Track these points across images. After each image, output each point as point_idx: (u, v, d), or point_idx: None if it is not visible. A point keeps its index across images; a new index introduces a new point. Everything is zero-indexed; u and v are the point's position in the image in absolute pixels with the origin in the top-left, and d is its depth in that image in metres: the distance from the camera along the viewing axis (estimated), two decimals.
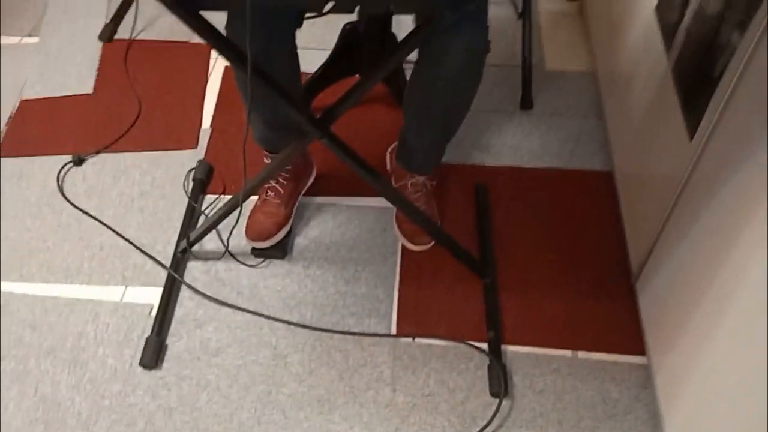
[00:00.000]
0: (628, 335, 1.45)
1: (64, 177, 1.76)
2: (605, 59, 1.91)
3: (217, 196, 1.73)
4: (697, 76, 1.26)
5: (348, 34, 1.72)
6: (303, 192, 1.69)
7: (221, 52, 1.23)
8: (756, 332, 0.98)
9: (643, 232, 1.46)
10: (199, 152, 1.82)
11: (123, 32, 2.11)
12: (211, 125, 1.88)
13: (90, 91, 1.96)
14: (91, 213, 1.68)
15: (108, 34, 2.09)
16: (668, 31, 1.41)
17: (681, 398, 1.23)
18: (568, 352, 1.43)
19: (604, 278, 1.54)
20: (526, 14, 1.94)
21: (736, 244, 1.06)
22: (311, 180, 1.70)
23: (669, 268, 1.32)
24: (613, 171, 1.73)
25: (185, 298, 1.54)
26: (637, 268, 1.48)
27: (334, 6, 1.09)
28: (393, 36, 1.66)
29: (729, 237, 1.08)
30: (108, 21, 2.11)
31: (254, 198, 1.64)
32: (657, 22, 1.48)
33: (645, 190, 1.51)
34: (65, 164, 1.78)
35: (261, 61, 1.17)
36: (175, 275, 1.56)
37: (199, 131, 1.87)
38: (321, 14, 1.22)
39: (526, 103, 1.92)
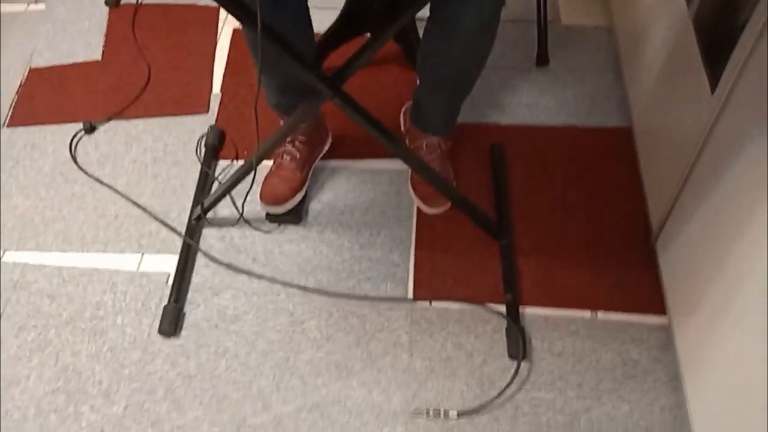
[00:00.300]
0: (648, 295, 1.43)
1: (76, 145, 1.75)
2: (623, 13, 1.85)
3: (229, 161, 1.71)
4: (719, 26, 1.22)
5: None
6: (318, 158, 1.67)
7: (231, 11, 1.20)
8: None
9: (663, 190, 1.42)
10: (210, 117, 1.80)
11: None
12: (222, 90, 1.86)
13: (99, 57, 1.94)
14: (105, 181, 1.68)
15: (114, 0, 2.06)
16: None
17: (702, 360, 1.21)
18: (587, 313, 1.42)
19: (623, 237, 1.52)
20: None
21: (762, 202, 1.03)
22: (326, 147, 1.68)
23: (690, 228, 1.29)
24: (631, 128, 1.69)
25: (201, 266, 1.54)
26: (657, 227, 1.46)
27: None
28: None
29: (754, 195, 1.05)
30: None
31: (268, 163, 1.62)
32: None
33: (665, 147, 1.47)
34: (77, 132, 1.77)
35: (272, 21, 1.14)
36: (191, 242, 1.55)
37: (209, 96, 1.84)
38: None
39: (542, 59, 1.87)
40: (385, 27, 1.27)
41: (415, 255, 1.53)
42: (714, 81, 1.20)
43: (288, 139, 1.58)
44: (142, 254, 1.56)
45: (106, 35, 1.99)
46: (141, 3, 2.06)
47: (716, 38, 1.22)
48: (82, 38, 1.99)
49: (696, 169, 1.27)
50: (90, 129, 1.77)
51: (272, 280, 1.50)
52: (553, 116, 1.75)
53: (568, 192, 1.61)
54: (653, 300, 1.42)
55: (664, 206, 1.40)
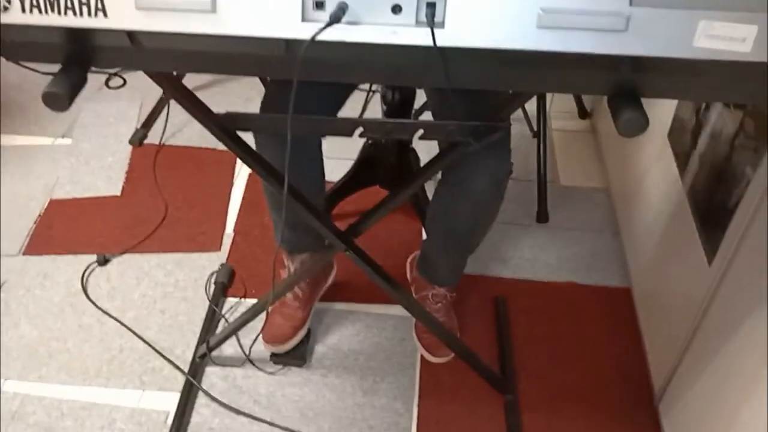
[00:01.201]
0: None
1: (88, 277, 1.78)
2: (619, 178, 1.97)
3: (238, 299, 1.75)
4: (713, 203, 1.30)
5: (370, 147, 1.79)
6: (321, 293, 1.71)
7: (255, 170, 1.28)
8: None
9: (665, 353, 1.46)
10: (222, 255, 1.85)
11: (153, 137, 2.20)
12: (235, 229, 1.92)
13: (118, 193, 2.02)
14: (113, 314, 1.69)
15: (139, 138, 2.17)
16: (682, 157, 1.46)
17: None
18: None
19: (626, 398, 1.53)
20: (540, 132, 2.02)
21: (764, 371, 1.07)
22: (330, 280, 1.73)
23: (693, 392, 1.32)
24: (631, 288, 1.75)
25: (202, 405, 1.52)
26: (659, 389, 1.48)
27: (364, 131, 1.15)
28: (413, 150, 1.72)
29: (756, 364, 1.09)
30: (139, 126, 2.20)
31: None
32: (670, 147, 1.54)
33: (665, 311, 1.52)
34: (90, 264, 1.81)
35: (289, 175, 1.22)
36: (193, 381, 1.55)
37: (222, 235, 1.91)
38: None
39: (542, 216, 1.96)
40: (399, 190, 1.35)
41: (419, 405, 1.53)
42: (711, 252, 1.27)
43: None
44: (143, 390, 1.55)
45: (128, 172, 2.08)
46: (163, 144, 2.17)
47: (711, 213, 1.30)
48: (104, 173, 2.08)
49: (697, 336, 1.31)
50: (103, 261, 1.81)
51: (273, 424, 1.49)
52: (554, 272, 1.82)
53: (570, 349, 1.64)
54: None
55: (667, 369, 1.43)
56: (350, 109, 1.45)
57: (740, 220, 1.17)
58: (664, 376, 1.44)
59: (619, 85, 0.82)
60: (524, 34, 0.76)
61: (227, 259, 1.84)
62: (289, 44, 0.79)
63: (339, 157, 1.88)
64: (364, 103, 2.06)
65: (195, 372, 1.57)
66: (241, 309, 1.71)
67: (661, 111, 1.55)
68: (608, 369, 1.59)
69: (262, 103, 1.34)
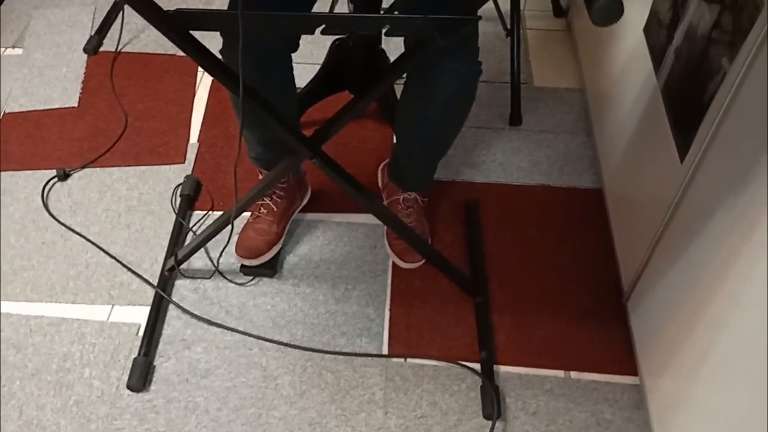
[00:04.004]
0: (620, 355, 1.45)
1: (48, 192, 1.73)
2: (593, 77, 1.93)
3: (205, 212, 1.71)
4: (687, 98, 1.27)
5: (337, 49, 1.71)
6: (296, 212, 1.67)
7: (213, 74, 1.22)
8: (751, 357, 0.99)
9: (634, 251, 1.46)
10: (187, 167, 1.80)
11: (109, 45, 2.09)
12: (199, 140, 1.86)
13: (75, 104, 1.93)
14: (77, 230, 1.65)
15: (93, 47, 2.06)
16: (657, 52, 1.42)
17: (674, 421, 1.23)
18: (560, 373, 1.43)
19: (595, 297, 1.55)
20: (514, 31, 1.94)
21: (732, 266, 1.07)
22: (305, 200, 1.69)
23: (661, 289, 1.32)
24: (603, 189, 1.74)
25: (173, 318, 1.52)
26: (628, 288, 1.49)
27: (326, 28, 1.08)
28: (382, 52, 1.65)
29: (724, 260, 1.09)
30: (93, 33, 2.09)
31: (246, 214, 1.62)
32: (646, 42, 1.49)
33: (635, 209, 1.51)
34: (50, 179, 1.75)
35: (257, 83, 1.16)
36: (163, 294, 1.53)
37: (186, 146, 1.85)
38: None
39: (515, 119, 1.92)
40: (366, 92, 1.29)
41: (391, 310, 1.53)
42: (683, 150, 1.25)
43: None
44: (113, 305, 1.53)
45: (84, 82, 1.99)
46: (120, 51, 2.07)
47: (685, 109, 1.27)
48: (59, 84, 1.99)
49: (666, 233, 1.31)
50: (63, 176, 1.75)
51: (245, 333, 1.49)
52: (526, 175, 1.79)
53: (541, 251, 1.64)
54: (625, 360, 1.44)
55: (635, 267, 1.44)
56: (318, 7, 1.36)
57: (713, 115, 1.14)
58: (633, 275, 1.45)
59: None
60: None
61: (192, 170, 1.79)
62: None
63: (306, 61, 1.81)
64: (331, 2, 1.97)
65: (164, 285, 1.55)
66: (209, 222, 1.68)
67: (638, 3, 1.49)
68: (578, 269, 1.60)
69: (228, 6, 1.27)
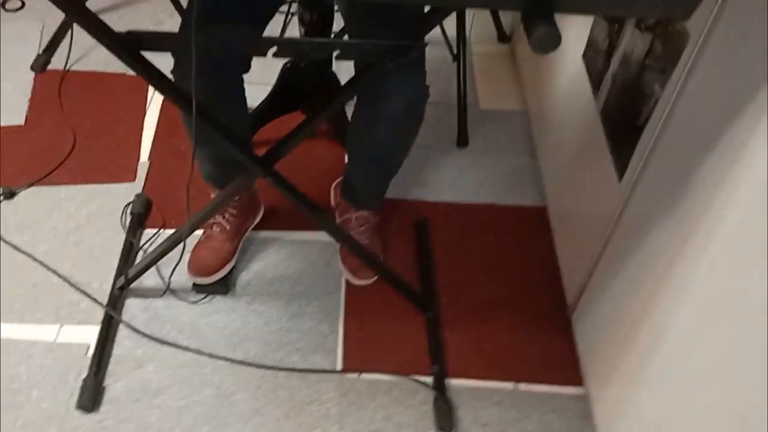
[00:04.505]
0: (566, 367, 1.50)
1: None
2: (536, 100, 2.01)
3: (156, 230, 1.70)
4: (624, 121, 1.35)
5: (288, 71, 1.74)
6: (249, 230, 1.68)
7: (165, 94, 1.23)
8: (689, 366, 1.05)
9: (578, 267, 1.53)
10: (137, 185, 1.79)
11: (57, 63, 2.06)
12: (150, 158, 1.86)
13: (22, 122, 1.91)
14: (24, 249, 1.62)
15: (41, 64, 2.04)
16: (595, 77, 1.50)
17: (619, 429, 1.29)
18: (509, 385, 1.48)
19: (542, 311, 1.61)
20: (460, 56, 2.01)
21: (668, 280, 1.13)
22: (258, 218, 1.70)
23: (603, 302, 1.39)
24: (546, 207, 1.81)
25: (123, 338, 1.50)
26: (572, 301, 1.55)
27: (278, 51, 1.11)
28: (333, 74, 1.69)
29: (660, 273, 1.16)
30: (41, 51, 2.06)
31: (198, 232, 1.63)
32: (584, 67, 1.57)
33: (578, 227, 1.59)
34: None
35: (209, 103, 1.18)
36: (112, 313, 1.52)
37: (137, 164, 1.84)
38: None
39: (462, 140, 1.98)
40: (317, 113, 1.33)
41: (345, 326, 1.55)
42: (621, 169, 1.32)
43: None
44: (61, 325, 1.51)
45: (31, 100, 1.96)
46: (69, 70, 2.05)
47: (622, 131, 1.35)
48: (4, 102, 1.95)
49: (607, 249, 1.38)
50: (9, 194, 1.72)
51: (198, 351, 1.49)
52: (474, 194, 1.85)
53: (489, 267, 1.69)
54: (571, 371, 1.50)
55: (579, 282, 1.50)
56: (270, 31, 1.39)
57: (648, 137, 1.22)
58: (577, 289, 1.52)
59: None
60: None
61: (143, 189, 1.78)
62: None
63: (258, 81, 1.83)
64: (282, 25, 2.01)
65: (114, 304, 1.54)
66: (160, 240, 1.68)
67: (576, 32, 1.58)
68: (525, 285, 1.66)
69: (181, 23, 1.28)
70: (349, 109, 1.47)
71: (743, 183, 0.95)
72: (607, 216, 1.36)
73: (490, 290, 1.64)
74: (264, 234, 1.71)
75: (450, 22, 2.03)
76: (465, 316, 1.59)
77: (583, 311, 1.50)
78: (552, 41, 0.82)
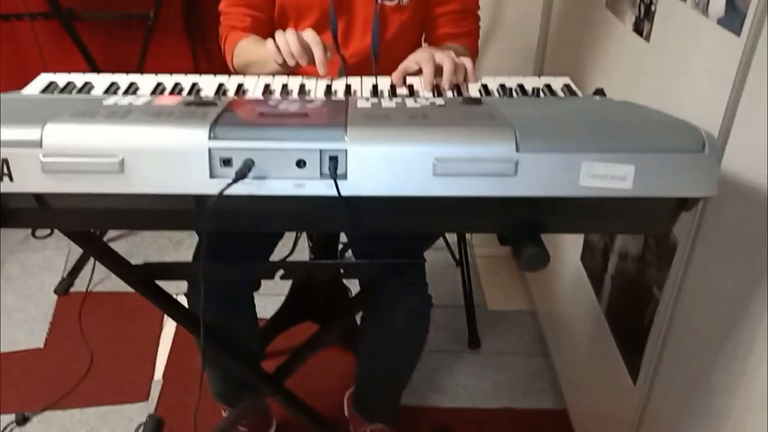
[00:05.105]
0: None
1: None
2: (543, 300, 2.03)
3: None
4: (629, 324, 1.34)
5: (300, 285, 1.79)
6: None
7: (176, 320, 1.27)
8: None
9: None
10: (150, 405, 1.78)
11: (80, 285, 2.15)
12: (164, 376, 1.86)
13: (41, 345, 1.95)
14: None
15: (64, 288, 2.13)
16: (595, 278, 1.52)
17: None
18: None
19: None
20: (463, 260, 2.07)
21: None
22: None
23: None
24: (566, 409, 1.75)
25: None
26: None
27: (285, 274, 1.16)
28: (343, 285, 1.74)
29: None
30: (65, 275, 2.16)
31: None
32: (584, 270, 1.60)
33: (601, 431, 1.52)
34: (8, 425, 1.70)
35: (220, 323, 1.22)
36: None
37: (150, 383, 1.84)
38: None
39: (474, 342, 1.98)
40: (323, 331, 1.35)
41: None
42: (633, 372, 1.30)
43: None
44: None
45: (52, 323, 2.02)
46: (90, 292, 2.13)
47: (628, 333, 1.35)
48: (26, 326, 2.01)
49: None
50: (22, 420, 1.71)
51: None
52: (491, 398, 1.81)
53: None
54: None
55: None
56: (282, 245, 1.46)
57: (654, 341, 1.21)
58: None
59: (516, 222, 0.87)
60: (422, 182, 0.80)
61: (156, 409, 1.77)
62: (199, 199, 0.81)
63: (270, 293, 1.88)
64: (293, 242, 2.10)
65: None
66: None
67: (572, 237, 1.63)
68: None
69: (195, 250, 1.36)
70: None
71: (757, 382, 0.93)
72: (626, 421, 1.32)
73: None
74: None
75: None
76: None
77: None
78: (539, 262, 0.85)
